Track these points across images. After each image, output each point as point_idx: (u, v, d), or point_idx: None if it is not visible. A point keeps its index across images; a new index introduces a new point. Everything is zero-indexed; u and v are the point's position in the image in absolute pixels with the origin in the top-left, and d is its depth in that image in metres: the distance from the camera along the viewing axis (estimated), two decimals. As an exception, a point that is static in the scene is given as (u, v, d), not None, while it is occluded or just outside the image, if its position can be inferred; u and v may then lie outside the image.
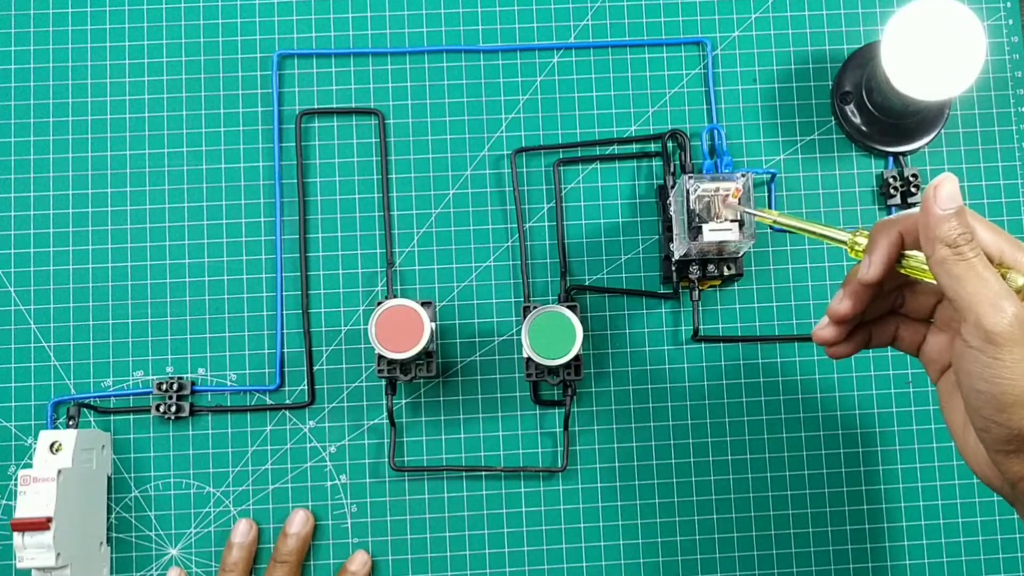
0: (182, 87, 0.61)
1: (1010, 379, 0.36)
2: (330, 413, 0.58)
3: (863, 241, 0.42)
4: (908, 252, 0.41)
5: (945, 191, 0.38)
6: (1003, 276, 0.38)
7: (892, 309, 0.45)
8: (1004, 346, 0.36)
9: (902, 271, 0.41)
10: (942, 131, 0.60)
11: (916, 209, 0.40)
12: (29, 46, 0.61)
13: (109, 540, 0.57)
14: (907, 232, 0.40)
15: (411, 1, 0.62)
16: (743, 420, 0.59)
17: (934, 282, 0.39)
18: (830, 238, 0.44)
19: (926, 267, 0.39)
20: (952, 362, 0.39)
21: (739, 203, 0.51)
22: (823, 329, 0.44)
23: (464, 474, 0.58)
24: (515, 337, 0.59)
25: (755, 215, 0.48)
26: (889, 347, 0.45)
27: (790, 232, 0.46)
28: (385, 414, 0.58)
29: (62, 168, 0.60)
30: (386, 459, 0.58)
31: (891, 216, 0.41)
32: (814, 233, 0.44)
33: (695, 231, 0.52)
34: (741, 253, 0.56)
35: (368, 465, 0.58)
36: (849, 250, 0.43)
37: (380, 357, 0.54)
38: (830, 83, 0.61)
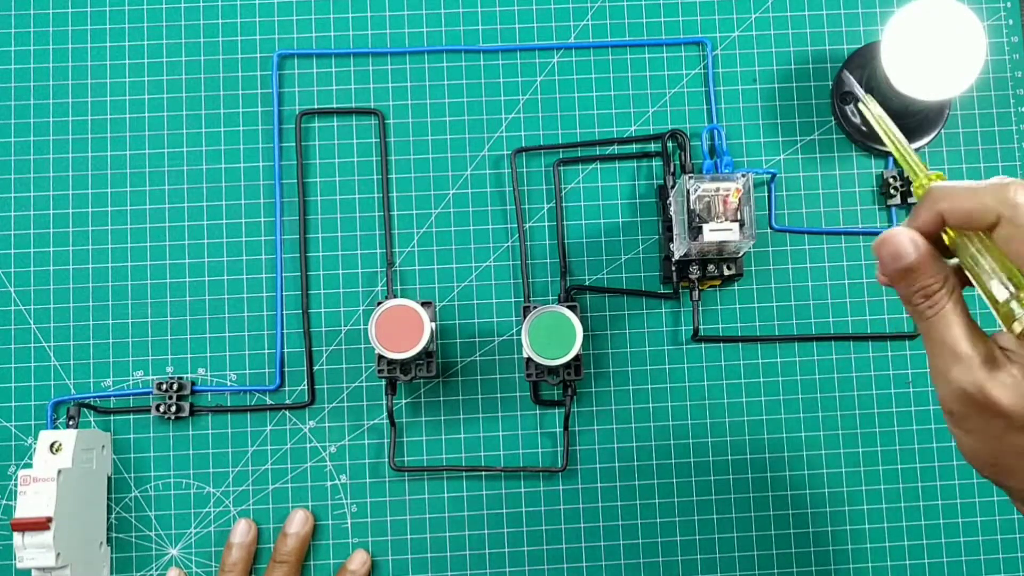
0: (182, 87, 0.61)
1: (968, 449, 0.35)
2: (330, 413, 0.58)
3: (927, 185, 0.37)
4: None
5: (885, 252, 0.35)
6: (1008, 314, 0.34)
7: None
8: (955, 420, 0.35)
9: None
10: (942, 131, 0.60)
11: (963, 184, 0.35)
12: (29, 46, 0.61)
13: (109, 540, 0.57)
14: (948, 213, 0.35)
15: (411, 1, 0.62)
16: (743, 420, 0.59)
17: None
18: (909, 165, 0.39)
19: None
20: None
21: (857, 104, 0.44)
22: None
23: (464, 474, 0.58)
24: (515, 337, 0.59)
25: (863, 98, 0.42)
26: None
27: (879, 132, 0.42)
28: (385, 414, 0.58)
29: (62, 168, 0.60)
30: (386, 459, 0.58)
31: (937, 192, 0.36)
32: (899, 151, 0.40)
33: (695, 231, 0.52)
34: (741, 253, 0.56)
35: (368, 465, 0.58)
36: (916, 185, 0.38)
37: (380, 357, 0.54)
38: (830, 83, 0.61)
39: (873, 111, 0.41)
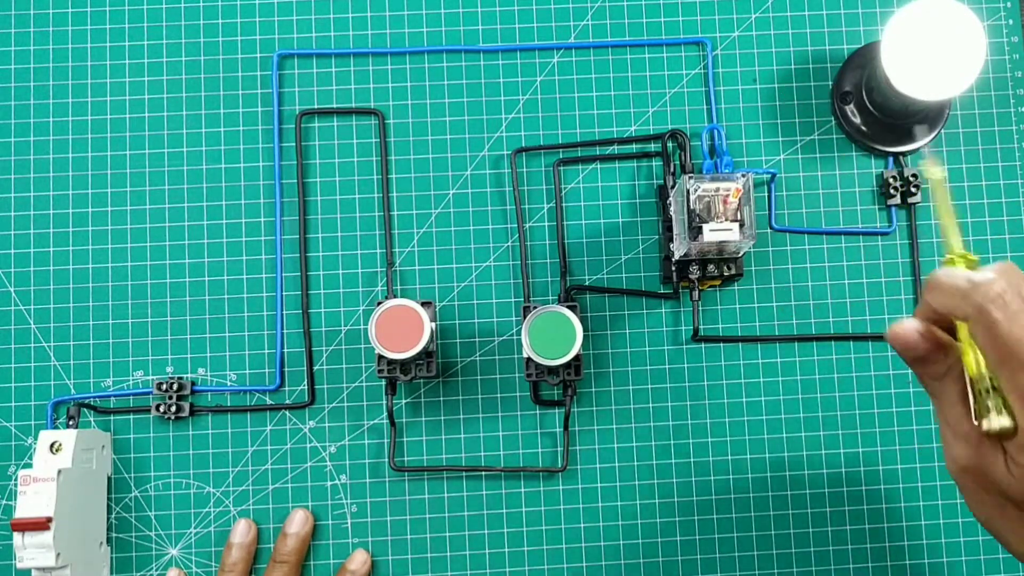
0: (182, 87, 0.61)
1: (969, 504, 0.38)
2: (330, 413, 0.58)
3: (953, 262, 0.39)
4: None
5: (896, 345, 0.38)
6: (983, 408, 0.36)
7: None
8: (957, 482, 0.38)
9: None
10: (942, 131, 0.60)
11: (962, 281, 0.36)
12: (29, 46, 0.61)
13: (109, 540, 0.57)
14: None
15: (411, 1, 0.62)
16: (743, 420, 0.59)
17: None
18: (947, 239, 0.40)
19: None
20: None
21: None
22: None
23: (464, 474, 0.58)
24: (515, 337, 0.59)
25: (929, 171, 0.43)
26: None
27: (935, 199, 0.42)
28: (385, 414, 0.58)
29: (62, 168, 0.60)
30: (386, 459, 0.58)
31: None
32: (946, 222, 0.40)
33: (695, 231, 0.52)
34: (741, 253, 0.56)
35: (368, 465, 0.58)
36: (945, 259, 0.40)
37: (380, 357, 0.54)
38: (830, 83, 0.61)
39: (935, 176, 0.41)
